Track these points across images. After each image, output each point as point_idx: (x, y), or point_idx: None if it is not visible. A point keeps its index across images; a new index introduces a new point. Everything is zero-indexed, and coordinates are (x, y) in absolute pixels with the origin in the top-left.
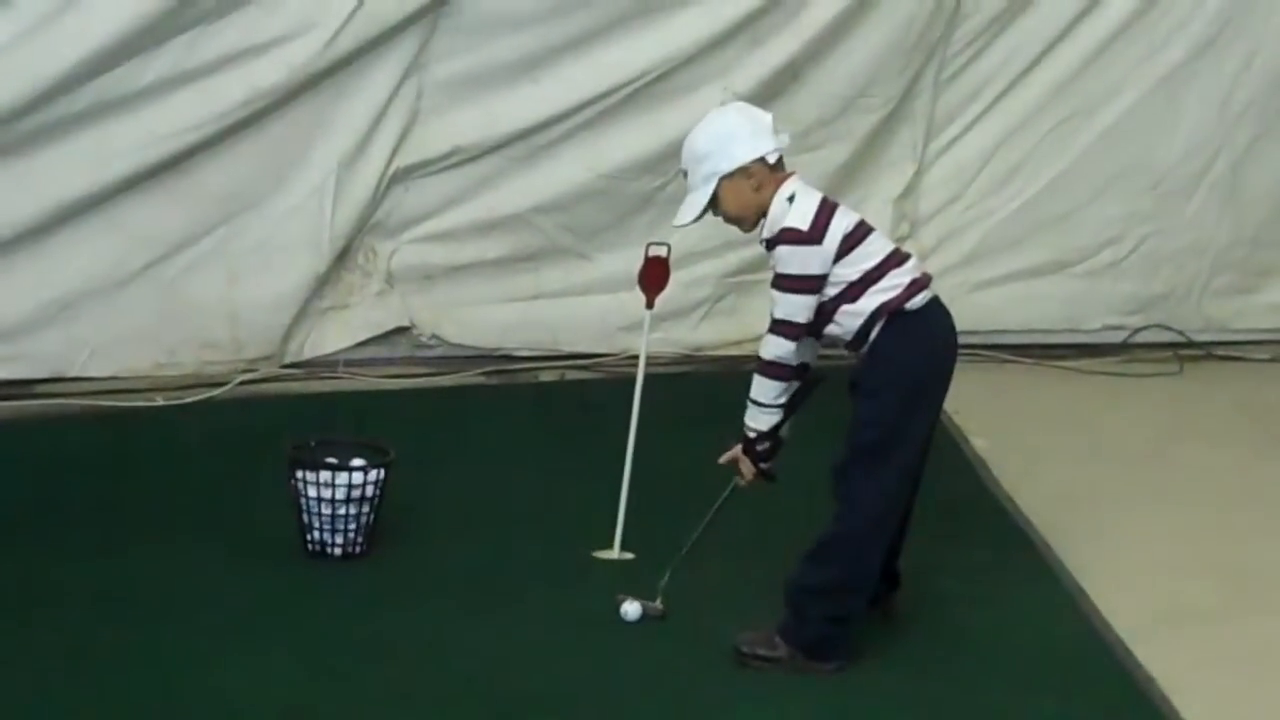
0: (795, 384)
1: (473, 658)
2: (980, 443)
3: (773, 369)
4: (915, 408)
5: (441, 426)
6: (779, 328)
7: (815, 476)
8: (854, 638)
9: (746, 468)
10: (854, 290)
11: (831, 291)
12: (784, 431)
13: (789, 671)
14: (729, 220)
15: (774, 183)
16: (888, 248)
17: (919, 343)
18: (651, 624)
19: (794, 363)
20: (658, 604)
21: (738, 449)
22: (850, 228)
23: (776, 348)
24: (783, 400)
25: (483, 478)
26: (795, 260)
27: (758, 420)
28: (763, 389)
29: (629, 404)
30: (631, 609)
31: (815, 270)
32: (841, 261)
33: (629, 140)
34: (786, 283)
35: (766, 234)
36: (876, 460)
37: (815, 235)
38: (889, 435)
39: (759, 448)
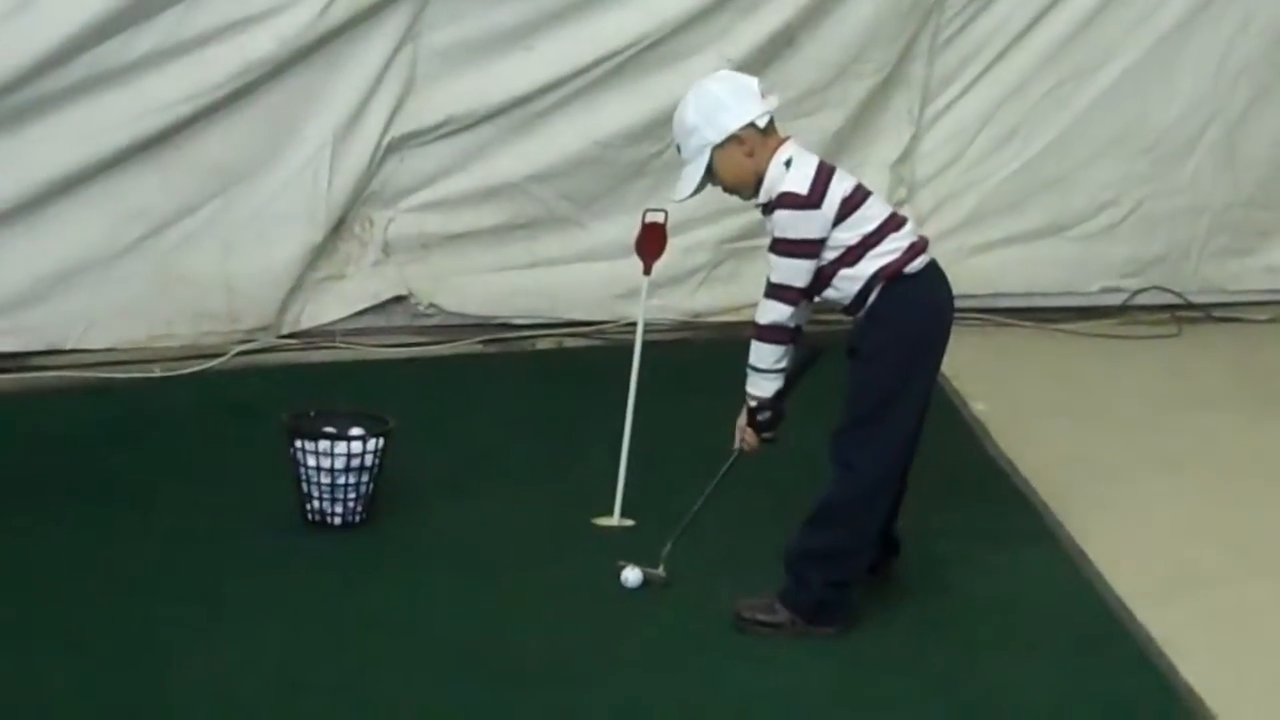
0: (794, 351)
1: (473, 626)
2: (979, 406)
3: (770, 333)
4: (913, 372)
5: (440, 395)
6: (776, 292)
7: (815, 443)
8: (854, 602)
9: (750, 437)
10: (852, 254)
11: (830, 255)
12: (785, 402)
13: (790, 636)
14: (728, 190)
15: (768, 148)
16: (885, 211)
17: (917, 306)
18: (652, 590)
19: (791, 325)
20: (660, 571)
21: (743, 418)
22: (849, 191)
23: (774, 312)
24: (782, 365)
25: (481, 446)
26: (794, 224)
27: (759, 386)
28: (761, 354)
29: (627, 371)
30: (632, 575)
31: (814, 234)
32: (840, 225)
33: (624, 108)
34: (785, 247)
35: (764, 198)
36: (875, 424)
37: (814, 199)
38: (887, 399)
39: (760, 417)
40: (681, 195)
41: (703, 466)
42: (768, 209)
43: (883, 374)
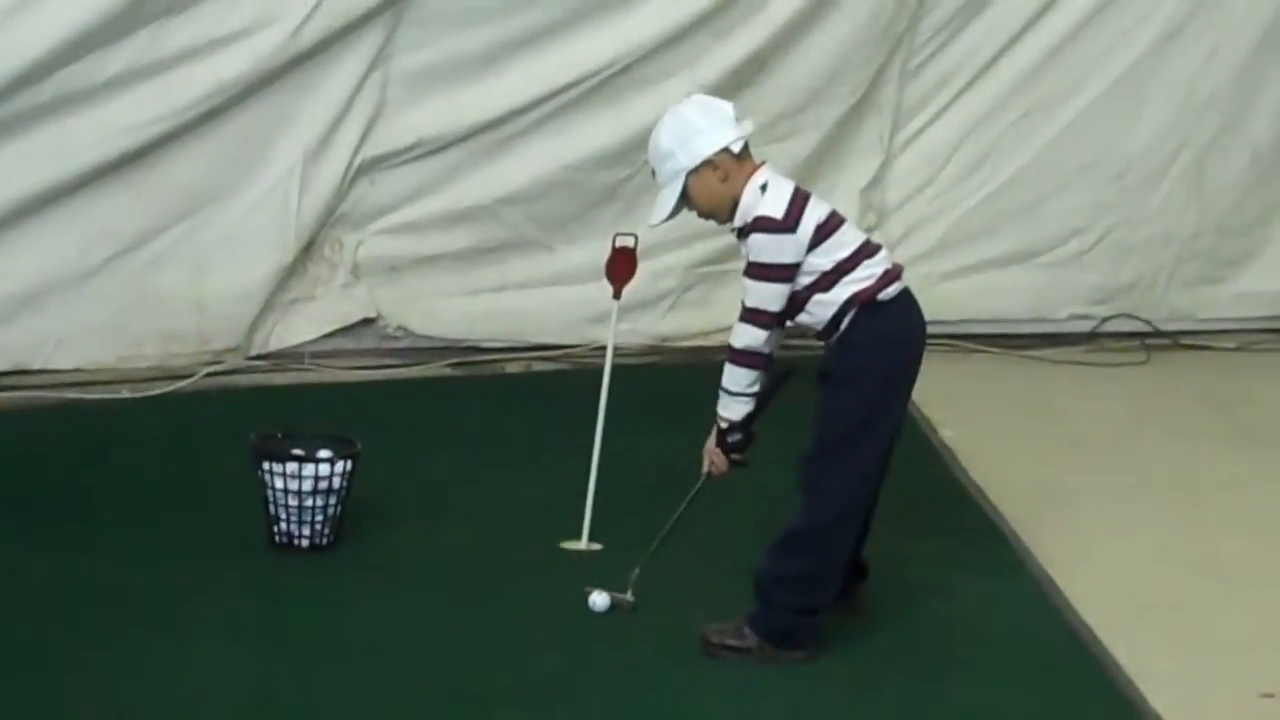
0: (765, 372)
1: (441, 649)
2: (948, 432)
3: (744, 357)
4: (885, 399)
5: (408, 418)
6: (751, 316)
7: (783, 467)
8: (822, 628)
9: (719, 459)
10: (827, 279)
11: (804, 280)
12: (755, 425)
13: (758, 662)
14: (703, 215)
15: (742, 172)
16: (860, 238)
17: (890, 333)
18: (620, 614)
19: (766, 351)
20: (628, 596)
21: (712, 440)
22: (824, 217)
23: (748, 336)
24: (755, 389)
25: (449, 469)
26: (769, 248)
27: (730, 409)
28: (734, 378)
29: (596, 395)
30: (600, 600)
31: (789, 259)
32: (815, 250)
33: (595, 132)
34: (760, 271)
35: (739, 222)
36: (845, 451)
37: (789, 223)
38: (858, 426)
39: (730, 439)
40: (656, 220)
41: (671, 490)
42: (743, 233)
43: (854, 400)
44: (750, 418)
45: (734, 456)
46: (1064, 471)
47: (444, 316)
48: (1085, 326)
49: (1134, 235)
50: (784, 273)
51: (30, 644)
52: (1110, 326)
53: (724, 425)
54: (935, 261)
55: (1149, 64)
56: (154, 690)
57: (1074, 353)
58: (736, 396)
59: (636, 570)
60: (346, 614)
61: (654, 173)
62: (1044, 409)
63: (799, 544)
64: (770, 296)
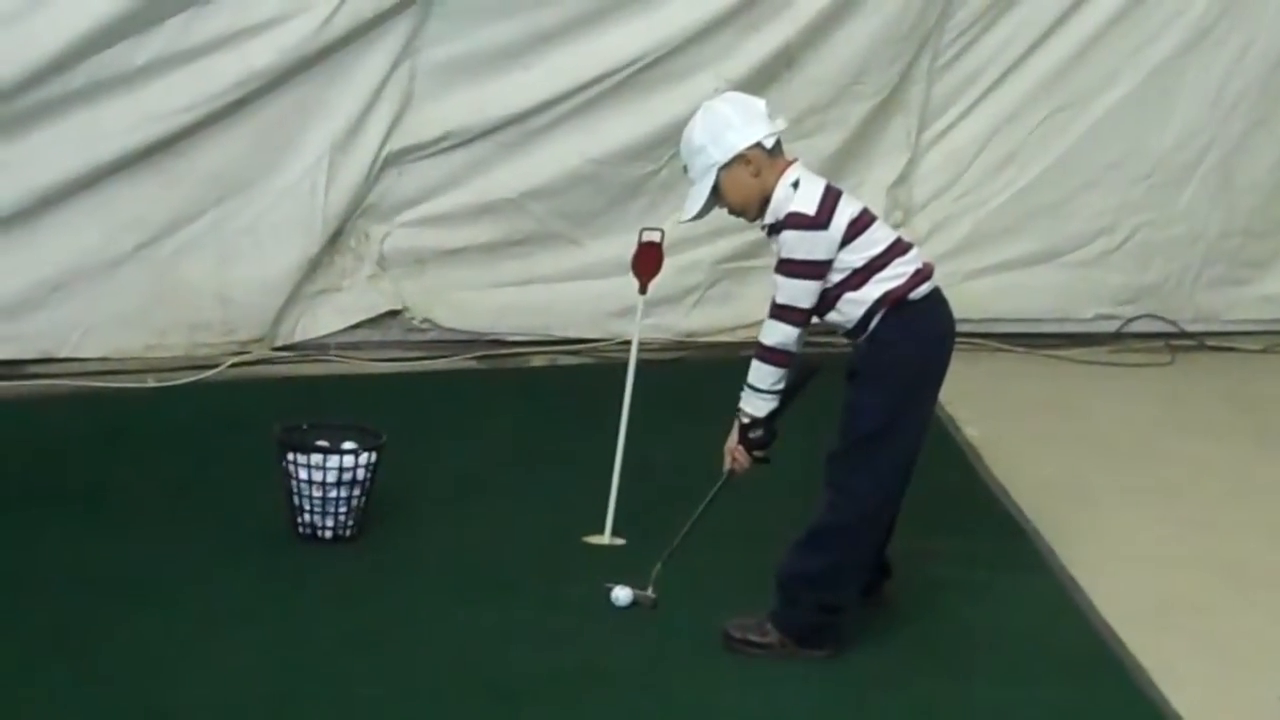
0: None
1: (462, 642)
2: (972, 431)
3: (773, 355)
4: (913, 398)
5: (433, 411)
6: (782, 313)
7: (808, 464)
8: (845, 626)
9: (741, 457)
10: (858, 277)
11: (835, 278)
12: (779, 422)
13: (779, 658)
14: (733, 211)
15: (774, 169)
16: (891, 236)
17: (920, 333)
18: (642, 610)
19: (795, 349)
20: (650, 592)
21: (733, 438)
22: (856, 214)
23: (779, 334)
24: (780, 387)
25: (474, 462)
26: (802, 245)
27: (754, 406)
28: (761, 375)
29: (621, 390)
30: (622, 594)
31: (821, 255)
32: (847, 247)
33: (621, 126)
34: (792, 268)
35: (770, 219)
36: (873, 449)
37: (821, 220)
38: (886, 424)
39: (753, 435)
40: (688, 216)
41: (695, 487)
42: (774, 230)
43: (882, 398)
44: (774, 415)
45: (756, 453)
46: (1088, 471)
47: (469, 309)
48: (1110, 327)
49: (1160, 235)
50: (816, 269)
51: (52, 631)
52: (1135, 327)
53: (746, 421)
54: (961, 260)
55: (1177, 64)
56: (175, 679)
57: (1099, 353)
58: (762, 394)
59: (658, 566)
60: (369, 605)
61: (685, 168)
62: (1068, 409)
63: (823, 541)
64: (802, 293)
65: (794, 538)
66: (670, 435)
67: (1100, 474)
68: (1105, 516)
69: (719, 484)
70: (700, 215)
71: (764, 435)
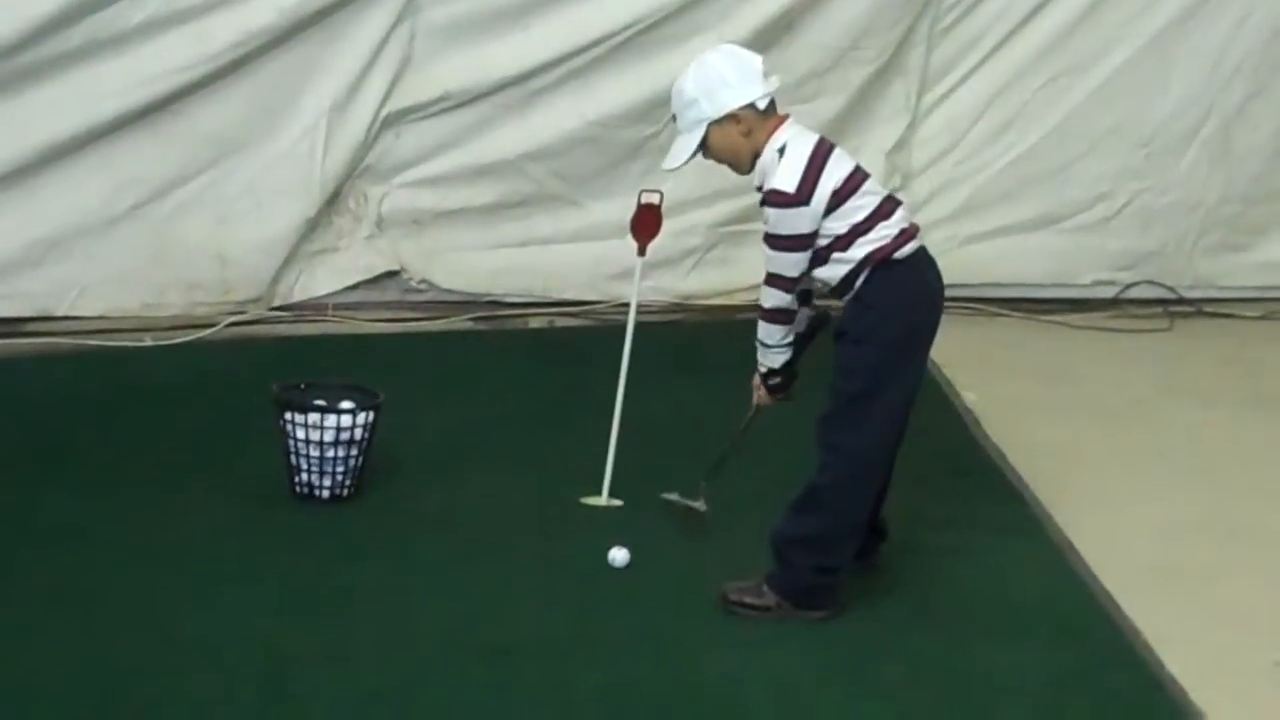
0: (803, 313)
1: (459, 602)
2: (970, 396)
3: (775, 315)
4: (901, 357)
5: (430, 371)
6: (774, 281)
7: (802, 426)
8: (841, 587)
9: (763, 394)
10: (842, 242)
11: (820, 242)
12: (796, 366)
13: (776, 620)
14: (721, 162)
15: (765, 129)
16: (877, 200)
17: (904, 291)
18: (640, 570)
19: (794, 307)
20: (700, 504)
21: (758, 377)
22: (840, 182)
23: (774, 298)
24: (789, 340)
25: (471, 423)
26: (784, 222)
27: (769, 359)
28: (769, 332)
29: (618, 351)
30: (620, 555)
31: (804, 229)
32: (831, 215)
33: (621, 88)
34: (777, 242)
35: (758, 181)
36: (862, 409)
37: (803, 196)
38: (874, 384)
39: (771, 382)
40: (672, 164)
41: (692, 448)
42: (762, 201)
43: (869, 357)
44: (789, 363)
45: (777, 396)
46: (1085, 437)
47: (468, 270)
48: (1109, 292)
49: (1159, 201)
50: (801, 242)
51: (47, 588)
52: (1134, 293)
53: (764, 371)
54: (960, 225)
55: (1177, 30)
56: (174, 636)
57: (1097, 318)
58: (772, 349)
59: (703, 484)
60: (366, 565)
61: (674, 117)
62: (1066, 374)
63: (817, 502)
64: (789, 264)
65: (790, 499)
66: (668, 397)
67: (1098, 438)
68: (1102, 481)
69: (749, 415)
70: (684, 165)
71: (782, 381)
